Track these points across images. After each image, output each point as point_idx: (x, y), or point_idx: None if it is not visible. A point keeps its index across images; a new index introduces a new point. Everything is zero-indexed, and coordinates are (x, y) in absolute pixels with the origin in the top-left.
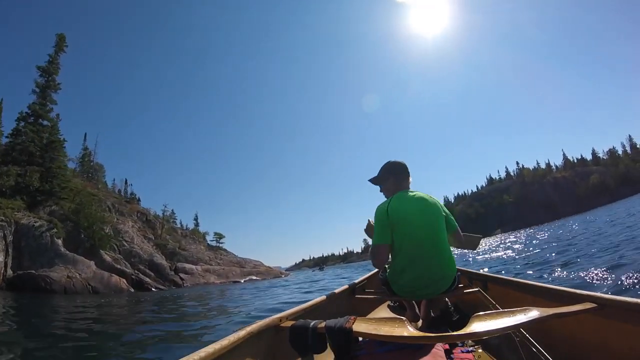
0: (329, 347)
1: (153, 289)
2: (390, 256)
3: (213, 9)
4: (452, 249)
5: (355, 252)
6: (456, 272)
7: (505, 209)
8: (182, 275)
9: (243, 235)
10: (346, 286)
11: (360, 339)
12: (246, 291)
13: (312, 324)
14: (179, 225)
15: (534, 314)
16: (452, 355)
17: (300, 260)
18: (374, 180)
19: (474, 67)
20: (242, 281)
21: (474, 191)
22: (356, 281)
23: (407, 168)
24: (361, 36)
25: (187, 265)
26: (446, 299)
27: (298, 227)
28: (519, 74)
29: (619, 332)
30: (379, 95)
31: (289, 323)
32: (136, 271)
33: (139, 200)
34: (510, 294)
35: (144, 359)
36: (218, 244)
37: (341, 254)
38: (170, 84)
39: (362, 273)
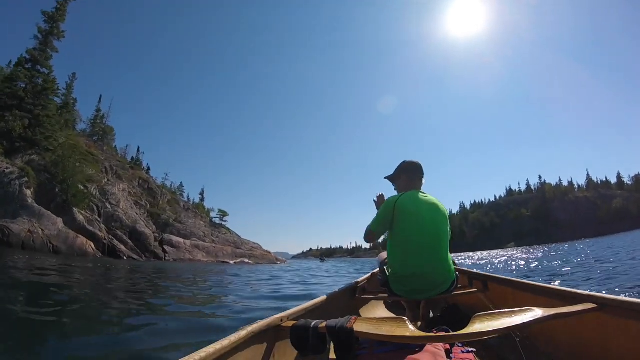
0: (330, 347)
1: (124, 258)
2: (388, 255)
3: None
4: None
5: (363, 247)
6: (455, 274)
7: (521, 223)
8: (167, 247)
9: (254, 217)
10: (347, 286)
11: (361, 339)
12: (222, 275)
13: (313, 324)
14: (185, 199)
15: (534, 314)
16: (452, 355)
17: (308, 249)
18: (389, 178)
19: (506, 74)
20: (232, 262)
21: (491, 200)
22: (357, 281)
23: (421, 168)
24: (387, 39)
25: (175, 239)
26: (446, 298)
27: (310, 216)
28: (553, 85)
29: (619, 332)
30: (400, 95)
31: (290, 323)
32: (111, 236)
33: (148, 169)
34: (510, 294)
35: None
36: (222, 222)
37: (349, 247)
38: (199, 61)
39: (361, 268)
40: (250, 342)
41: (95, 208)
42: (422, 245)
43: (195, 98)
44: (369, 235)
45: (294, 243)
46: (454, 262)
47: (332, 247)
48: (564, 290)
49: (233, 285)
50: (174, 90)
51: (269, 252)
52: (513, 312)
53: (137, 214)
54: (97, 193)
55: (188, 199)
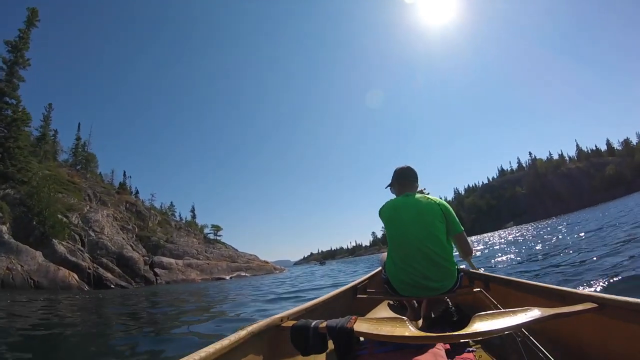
0: (330, 347)
1: (112, 286)
2: (387, 256)
3: (215, 4)
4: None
5: (363, 245)
6: (458, 273)
7: (518, 201)
8: (158, 270)
9: (251, 229)
10: (347, 286)
11: (362, 338)
12: (214, 291)
13: (313, 323)
14: (177, 218)
15: (535, 314)
16: (452, 355)
17: (309, 254)
18: (389, 186)
19: (483, 57)
20: (228, 278)
21: (484, 183)
22: (357, 281)
23: (411, 172)
24: (366, 32)
25: (166, 260)
26: (447, 298)
27: (307, 220)
28: (529, 64)
29: (620, 332)
30: (385, 89)
31: (290, 323)
32: (95, 265)
33: (137, 193)
34: (511, 294)
35: None
36: (216, 237)
37: (349, 247)
38: (175, 81)
39: (361, 267)
40: (250, 342)
41: (77, 237)
42: (414, 247)
43: (178, 114)
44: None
45: (294, 250)
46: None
47: (333, 249)
48: (564, 290)
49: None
50: (156, 111)
51: (267, 262)
52: (514, 312)
53: (124, 238)
54: (80, 222)
55: (180, 217)
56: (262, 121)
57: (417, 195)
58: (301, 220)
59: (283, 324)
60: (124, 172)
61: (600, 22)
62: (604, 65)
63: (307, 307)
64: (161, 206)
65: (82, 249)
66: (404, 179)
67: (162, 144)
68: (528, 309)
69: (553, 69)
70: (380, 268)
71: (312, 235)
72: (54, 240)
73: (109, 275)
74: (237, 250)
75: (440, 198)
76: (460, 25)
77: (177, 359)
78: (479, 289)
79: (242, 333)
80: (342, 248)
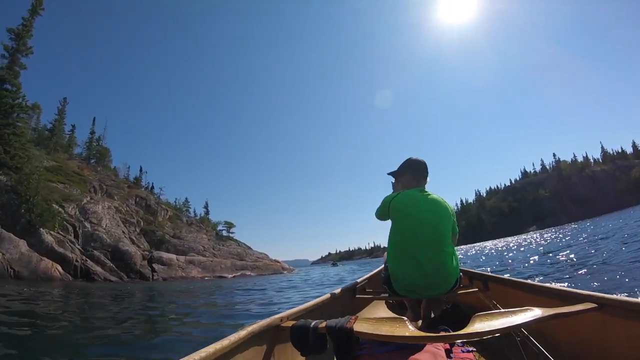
0: (329, 347)
1: (99, 280)
2: (388, 255)
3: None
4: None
5: (382, 246)
6: (459, 274)
7: (541, 204)
8: (156, 266)
9: (272, 229)
10: (347, 286)
11: (361, 339)
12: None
13: (313, 324)
14: (192, 214)
15: (534, 313)
16: (452, 355)
17: (327, 254)
18: (393, 173)
19: (507, 57)
20: (230, 276)
21: (507, 185)
22: (357, 281)
23: (426, 167)
24: (377, 30)
25: (166, 255)
26: (447, 298)
27: (327, 221)
28: (553, 64)
29: (619, 332)
30: (403, 90)
31: (290, 323)
32: (85, 257)
33: (152, 188)
34: (510, 294)
35: None
36: (228, 234)
37: (368, 248)
38: (197, 80)
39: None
40: (250, 342)
41: (70, 228)
42: (420, 246)
43: (196, 113)
44: (377, 217)
45: (313, 249)
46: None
47: (351, 250)
48: (564, 290)
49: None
50: (176, 108)
51: (277, 262)
52: (513, 312)
53: (123, 232)
54: (76, 212)
55: (195, 214)
56: (283, 119)
57: (432, 194)
58: (321, 220)
59: (283, 324)
60: (140, 168)
61: (625, 22)
62: (629, 66)
63: (307, 307)
64: (175, 201)
65: (73, 240)
66: (421, 172)
67: (182, 140)
68: (527, 308)
69: (577, 70)
70: (380, 267)
71: (331, 236)
72: (41, 229)
73: (98, 268)
74: (250, 248)
75: (461, 200)
76: (481, 25)
77: (176, 359)
78: (478, 289)
79: (242, 333)
80: (360, 249)
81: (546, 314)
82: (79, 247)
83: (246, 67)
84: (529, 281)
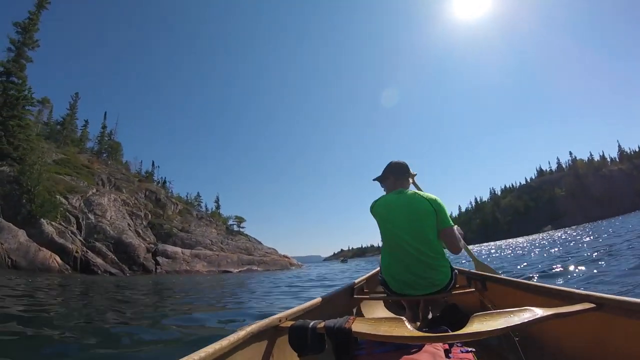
0: (328, 347)
1: (99, 272)
2: (382, 255)
3: None
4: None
5: None
6: (452, 272)
7: (556, 203)
8: (160, 259)
9: (285, 224)
10: (345, 286)
11: (360, 339)
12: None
13: (311, 324)
14: (203, 209)
15: (533, 313)
16: (451, 355)
17: (339, 250)
18: (378, 179)
19: (523, 52)
20: (236, 271)
21: (522, 183)
22: (355, 281)
23: (407, 168)
24: (385, 25)
25: (171, 248)
26: (445, 298)
27: (340, 217)
28: (571, 61)
29: (618, 332)
30: (416, 87)
31: (289, 323)
32: (86, 249)
33: (164, 183)
34: (509, 294)
35: None
36: (239, 228)
37: (380, 245)
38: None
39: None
40: (249, 342)
41: (72, 219)
42: (403, 246)
43: (209, 109)
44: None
45: (326, 245)
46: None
47: (363, 247)
48: (563, 290)
49: None
50: (190, 104)
51: (285, 257)
52: (512, 312)
53: (129, 224)
54: (81, 204)
55: (206, 208)
56: (297, 115)
57: (409, 192)
58: (334, 216)
59: (281, 324)
60: (153, 162)
61: None
62: None
63: (306, 308)
64: (187, 196)
65: (75, 231)
66: (401, 174)
67: (198, 137)
68: (526, 309)
69: (594, 66)
70: (378, 268)
71: (344, 232)
72: (42, 220)
73: (98, 260)
74: (260, 243)
75: (476, 198)
76: (497, 19)
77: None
78: (476, 289)
79: (241, 333)
80: (373, 246)
81: (545, 314)
82: (80, 238)
83: (260, 64)
84: (527, 281)
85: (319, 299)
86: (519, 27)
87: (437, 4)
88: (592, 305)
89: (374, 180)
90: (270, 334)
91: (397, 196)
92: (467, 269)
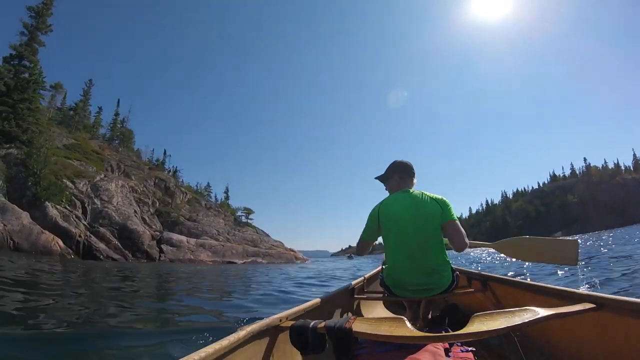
0: (329, 347)
1: (102, 258)
2: (385, 256)
3: None
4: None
5: None
6: (453, 272)
7: (568, 210)
8: (165, 247)
9: (294, 219)
10: (346, 286)
11: (360, 338)
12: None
13: (312, 324)
14: (212, 199)
15: (533, 313)
16: (451, 355)
17: (347, 246)
18: (381, 178)
19: (537, 56)
20: (240, 262)
21: (534, 187)
22: (356, 281)
23: (412, 168)
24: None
25: (176, 237)
26: (445, 298)
27: (350, 213)
28: (588, 67)
29: (618, 332)
30: (434, 87)
31: (289, 323)
32: (89, 234)
33: (175, 171)
34: (509, 294)
35: None
36: (247, 220)
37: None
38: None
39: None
40: (250, 342)
41: (78, 203)
42: (406, 245)
43: (224, 101)
44: (360, 245)
45: (334, 241)
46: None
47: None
48: (563, 290)
49: None
50: (205, 96)
51: (292, 250)
52: (512, 312)
53: (135, 211)
54: (88, 189)
55: (216, 199)
56: (311, 110)
57: (416, 192)
58: (343, 212)
59: (282, 324)
60: (165, 151)
61: None
62: None
63: (306, 307)
64: (197, 186)
65: (80, 215)
66: (407, 174)
67: (211, 128)
68: (526, 309)
69: (617, 73)
70: (378, 268)
71: (353, 228)
72: (47, 203)
73: (101, 245)
74: (268, 235)
75: (487, 200)
76: (517, 20)
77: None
78: (477, 289)
79: (241, 333)
80: (381, 244)
81: (545, 313)
82: (84, 223)
83: (276, 59)
84: (528, 281)
85: (319, 299)
86: (538, 30)
87: (454, 5)
88: (593, 305)
89: (375, 178)
90: (270, 334)
91: (404, 195)
92: (467, 269)
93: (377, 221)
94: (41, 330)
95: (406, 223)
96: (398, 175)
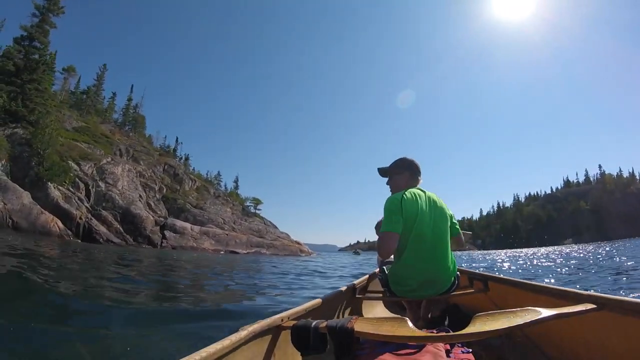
0: (330, 347)
1: (101, 241)
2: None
3: None
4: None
5: None
6: (456, 273)
7: (580, 217)
8: (168, 233)
9: (305, 212)
10: (347, 286)
11: (362, 338)
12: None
13: (313, 324)
14: (222, 188)
15: (534, 314)
16: (451, 355)
17: (355, 242)
18: (385, 171)
19: (564, 58)
20: (243, 252)
21: (547, 192)
22: (357, 281)
23: (420, 169)
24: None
25: (180, 223)
26: (447, 299)
27: (360, 208)
28: (606, 71)
29: (619, 332)
30: (447, 87)
31: (291, 323)
32: (90, 216)
33: (186, 159)
34: (510, 294)
35: None
36: (255, 210)
37: None
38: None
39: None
40: (251, 342)
41: (82, 186)
42: (422, 245)
43: (236, 91)
44: (385, 238)
45: (343, 236)
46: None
47: None
48: (564, 290)
49: None
50: (218, 85)
51: (297, 243)
52: (513, 312)
53: (141, 196)
54: (94, 171)
55: (226, 188)
56: (323, 101)
57: (430, 193)
58: (353, 207)
59: (283, 324)
60: (177, 138)
61: None
62: None
63: (307, 308)
64: (207, 174)
65: (82, 197)
66: (418, 173)
67: (226, 117)
68: (527, 309)
69: (633, 79)
70: (378, 268)
71: (361, 224)
72: (49, 183)
73: (102, 228)
74: (275, 227)
75: (499, 203)
76: (537, 21)
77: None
78: (478, 289)
79: (242, 333)
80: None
81: (546, 314)
82: (87, 205)
83: (291, 50)
84: (528, 281)
85: (320, 299)
86: (558, 31)
87: (471, 3)
88: (594, 305)
89: (379, 169)
90: (272, 334)
91: (424, 193)
92: (468, 269)
93: (400, 210)
94: None
95: (426, 224)
96: (409, 172)
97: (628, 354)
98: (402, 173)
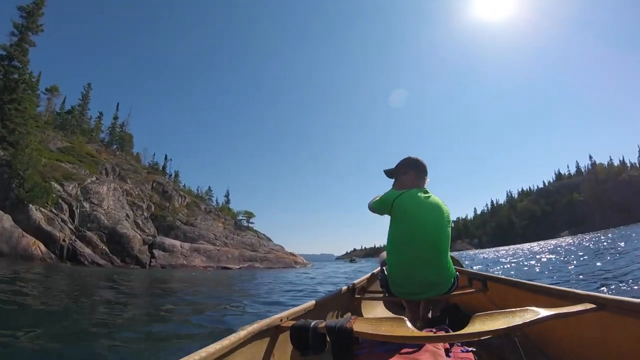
0: (329, 347)
1: (86, 263)
2: (387, 255)
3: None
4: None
5: None
6: (455, 274)
7: (574, 208)
8: (157, 252)
9: (299, 222)
10: (346, 286)
11: (361, 338)
12: None
13: (312, 324)
14: (214, 203)
15: (533, 314)
16: (451, 355)
17: (352, 249)
18: (391, 172)
19: (541, 53)
20: (236, 268)
21: (540, 187)
22: (357, 281)
23: (426, 167)
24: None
25: (169, 241)
26: (446, 299)
27: (355, 216)
28: (588, 66)
29: (618, 332)
30: (440, 88)
31: (290, 323)
32: (74, 238)
33: (176, 176)
34: (510, 294)
35: None
36: (248, 224)
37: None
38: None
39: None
40: (250, 342)
41: (65, 206)
42: (421, 247)
43: (225, 103)
44: (370, 210)
45: (339, 244)
46: (455, 261)
47: (376, 246)
48: (564, 290)
49: None
50: (205, 99)
51: (292, 255)
52: (512, 312)
53: (128, 215)
54: (77, 191)
55: (217, 203)
56: (315, 110)
57: (432, 195)
58: (349, 215)
59: (283, 324)
60: (165, 156)
61: None
62: None
63: (307, 308)
64: (198, 190)
65: (66, 219)
66: (423, 172)
67: (213, 132)
68: (527, 309)
69: (617, 70)
70: (379, 268)
71: (358, 231)
72: (30, 205)
73: (87, 250)
74: (270, 239)
75: (492, 200)
76: (522, 20)
77: (176, 359)
78: (477, 289)
79: (242, 333)
80: (385, 246)
81: (546, 314)
82: (71, 226)
83: (278, 61)
84: (528, 281)
85: (320, 299)
86: (542, 29)
87: (454, 3)
88: (593, 305)
89: (385, 171)
90: (271, 334)
91: (425, 195)
92: (468, 269)
93: (389, 207)
94: None
95: (424, 225)
96: (414, 171)
97: (628, 354)
98: (408, 172)
